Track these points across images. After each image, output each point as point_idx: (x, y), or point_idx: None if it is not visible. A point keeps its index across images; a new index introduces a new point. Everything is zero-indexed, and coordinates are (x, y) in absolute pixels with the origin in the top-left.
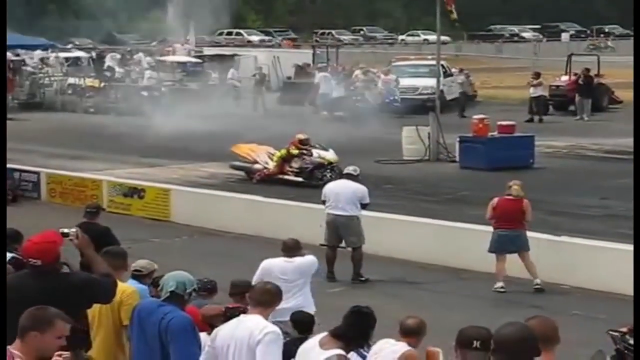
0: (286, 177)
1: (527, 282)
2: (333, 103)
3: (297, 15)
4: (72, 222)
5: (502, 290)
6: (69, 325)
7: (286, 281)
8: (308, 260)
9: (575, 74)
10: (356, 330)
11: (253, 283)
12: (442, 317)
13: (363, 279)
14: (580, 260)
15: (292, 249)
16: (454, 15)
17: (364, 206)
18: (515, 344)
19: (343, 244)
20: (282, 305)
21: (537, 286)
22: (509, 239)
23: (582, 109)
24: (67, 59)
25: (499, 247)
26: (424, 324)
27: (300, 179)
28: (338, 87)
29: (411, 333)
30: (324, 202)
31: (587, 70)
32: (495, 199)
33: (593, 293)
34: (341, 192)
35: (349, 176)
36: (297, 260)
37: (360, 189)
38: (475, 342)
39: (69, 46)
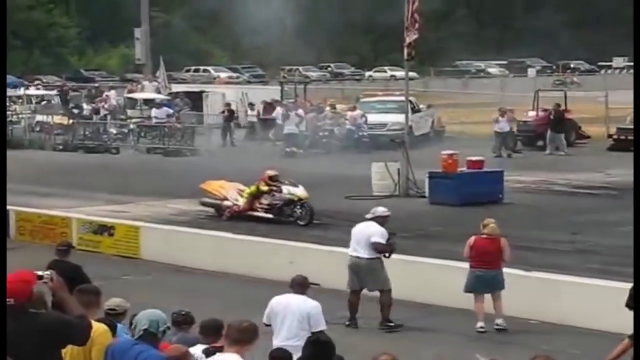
0: (256, 213)
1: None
2: (299, 139)
3: (263, 52)
4: (41, 260)
5: (482, 330)
6: None
7: (291, 318)
8: (311, 302)
9: (545, 110)
10: (318, 359)
11: (263, 321)
12: (415, 353)
13: (392, 324)
14: (550, 295)
15: (300, 285)
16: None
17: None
18: None
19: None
20: (286, 343)
21: (497, 326)
22: (486, 280)
23: (553, 144)
24: (35, 96)
25: (476, 288)
26: None
27: (270, 216)
28: (289, 123)
29: None
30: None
31: (559, 105)
32: (472, 238)
33: (563, 328)
34: (360, 234)
35: (371, 219)
36: (302, 298)
37: (372, 230)
38: None
39: (36, 83)
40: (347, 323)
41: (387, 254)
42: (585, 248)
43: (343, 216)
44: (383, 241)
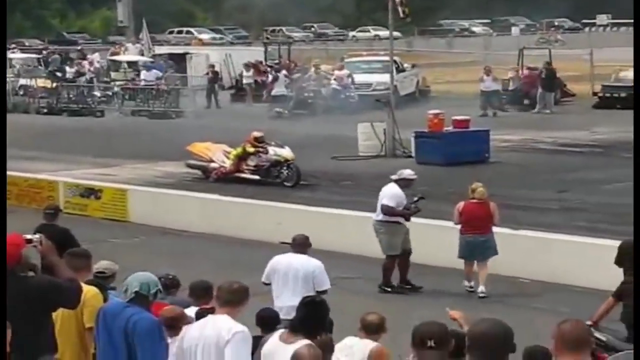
0: (243, 175)
1: (492, 279)
2: (286, 100)
3: (246, 13)
4: (29, 224)
5: (471, 289)
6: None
7: (294, 278)
8: (314, 262)
9: (530, 68)
10: (312, 320)
11: (262, 280)
12: (405, 313)
13: (389, 289)
14: (538, 253)
15: (300, 245)
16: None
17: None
18: (491, 340)
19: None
20: (290, 303)
21: (481, 294)
22: (477, 244)
23: (543, 102)
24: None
25: (468, 253)
26: (384, 320)
27: (256, 177)
28: (278, 85)
29: (372, 328)
30: None
31: (549, 63)
32: (461, 203)
33: (553, 286)
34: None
35: (396, 180)
36: (304, 257)
37: (384, 191)
38: (428, 341)
39: (12, 47)
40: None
41: (405, 218)
42: (572, 206)
43: (330, 177)
44: (393, 204)
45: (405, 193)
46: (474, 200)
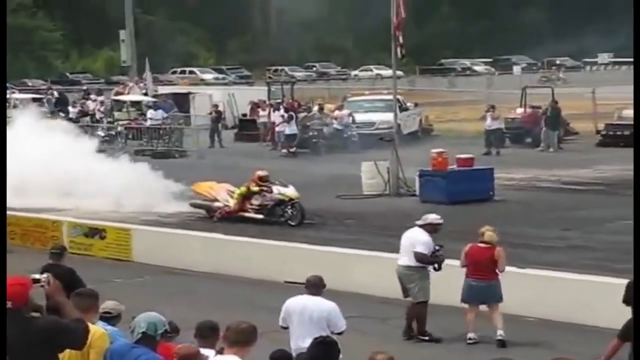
0: (247, 214)
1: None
2: (287, 139)
3: (249, 53)
4: (33, 264)
5: (472, 341)
6: None
7: (309, 320)
8: (328, 304)
9: (533, 107)
10: None
11: (280, 324)
12: (410, 353)
13: (426, 338)
14: (545, 292)
15: (315, 285)
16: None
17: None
18: None
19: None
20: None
21: (499, 337)
22: (479, 290)
23: (547, 140)
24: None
25: (470, 298)
26: None
27: (261, 216)
28: (290, 124)
29: None
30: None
31: (556, 102)
32: (468, 246)
33: (558, 325)
34: (403, 240)
35: (422, 226)
36: (318, 299)
37: (415, 237)
38: None
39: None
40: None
41: (435, 266)
42: (576, 244)
43: (334, 215)
44: (426, 252)
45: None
46: (481, 245)
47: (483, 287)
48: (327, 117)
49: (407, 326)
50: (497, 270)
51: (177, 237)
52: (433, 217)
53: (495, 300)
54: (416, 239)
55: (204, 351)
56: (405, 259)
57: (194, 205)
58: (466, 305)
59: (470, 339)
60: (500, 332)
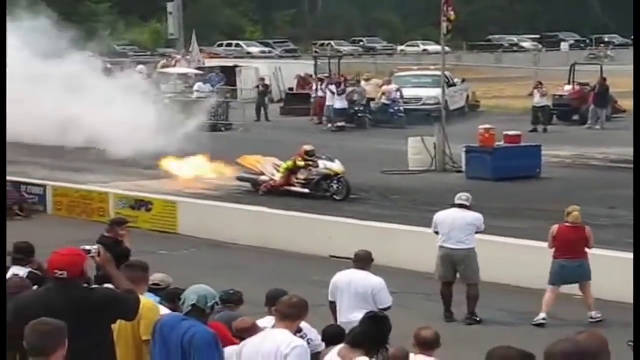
0: (293, 188)
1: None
2: (336, 114)
3: (295, 27)
4: (79, 234)
5: (543, 322)
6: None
7: (355, 295)
8: (374, 279)
9: (581, 84)
10: (374, 335)
11: (329, 299)
12: (453, 329)
13: (478, 319)
14: (595, 270)
15: (363, 260)
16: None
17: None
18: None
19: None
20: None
21: (592, 319)
22: (571, 270)
23: (595, 118)
24: None
25: (560, 279)
26: (438, 336)
27: (306, 191)
28: (341, 99)
29: (427, 344)
30: (436, 233)
31: (604, 79)
32: (555, 227)
33: (608, 304)
34: (455, 222)
35: (462, 206)
36: (364, 274)
37: (475, 217)
38: None
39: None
40: (447, 315)
41: None
42: (624, 223)
43: (379, 191)
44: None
45: None
46: (568, 224)
47: (575, 266)
48: (374, 91)
49: (446, 309)
50: (587, 249)
51: (223, 210)
52: (465, 197)
53: (587, 279)
54: (476, 218)
55: (261, 323)
56: (461, 242)
57: (240, 179)
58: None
59: (544, 319)
60: (592, 313)
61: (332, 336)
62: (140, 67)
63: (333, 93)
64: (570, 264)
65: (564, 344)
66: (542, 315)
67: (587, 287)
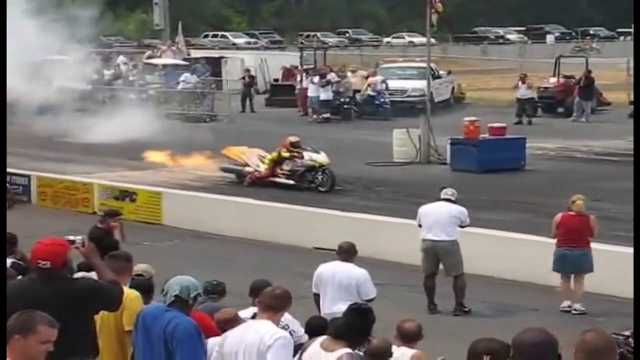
0: (277, 179)
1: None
2: (322, 105)
3: (281, 18)
4: (63, 224)
5: (568, 309)
6: (55, 330)
7: (339, 286)
8: (358, 270)
9: (566, 76)
10: (357, 327)
11: (313, 290)
12: (438, 320)
13: (466, 309)
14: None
15: (347, 252)
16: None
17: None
18: (533, 349)
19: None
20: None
21: (575, 312)
22: (573, 258)
23: (580, 110)
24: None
25: (563, 267)
26: (421, 328)
27: (291, 182)
28: (326, 90)
29: (409, 336)
30: (420, 226)
31: (589, 72)
32: (559, 215)
33: (591, 296)
34: (440, 214)
35: (447, 201)
36: (349, 266)
37: (459, 210)
38: (485, 356)
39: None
40: (431, 307)
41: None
42: (608, 215)
43: (364, 182)
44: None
45: None
46: (573, 213)
47: (577, 255)
48: (360, 83)
49: (430, 301)
50: (589, 239)
51: (208, 201)
52: (451, 193)
53: (586, 270)
54: (460, 212)
55: (242, 314)
56: (444, 234)
57: (224, 170)
58: None
59: (575, 309)
60: (577, 305)
61: (315, 327)
62: (121, 57)
63: (314, 84)
64: (572, 252)
65: (531, 333)
66: (566, 302)
67: (582, 278)
